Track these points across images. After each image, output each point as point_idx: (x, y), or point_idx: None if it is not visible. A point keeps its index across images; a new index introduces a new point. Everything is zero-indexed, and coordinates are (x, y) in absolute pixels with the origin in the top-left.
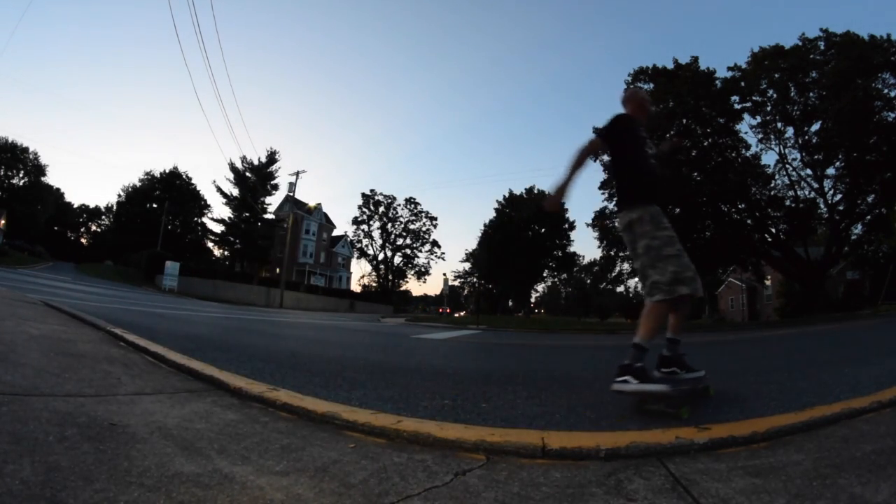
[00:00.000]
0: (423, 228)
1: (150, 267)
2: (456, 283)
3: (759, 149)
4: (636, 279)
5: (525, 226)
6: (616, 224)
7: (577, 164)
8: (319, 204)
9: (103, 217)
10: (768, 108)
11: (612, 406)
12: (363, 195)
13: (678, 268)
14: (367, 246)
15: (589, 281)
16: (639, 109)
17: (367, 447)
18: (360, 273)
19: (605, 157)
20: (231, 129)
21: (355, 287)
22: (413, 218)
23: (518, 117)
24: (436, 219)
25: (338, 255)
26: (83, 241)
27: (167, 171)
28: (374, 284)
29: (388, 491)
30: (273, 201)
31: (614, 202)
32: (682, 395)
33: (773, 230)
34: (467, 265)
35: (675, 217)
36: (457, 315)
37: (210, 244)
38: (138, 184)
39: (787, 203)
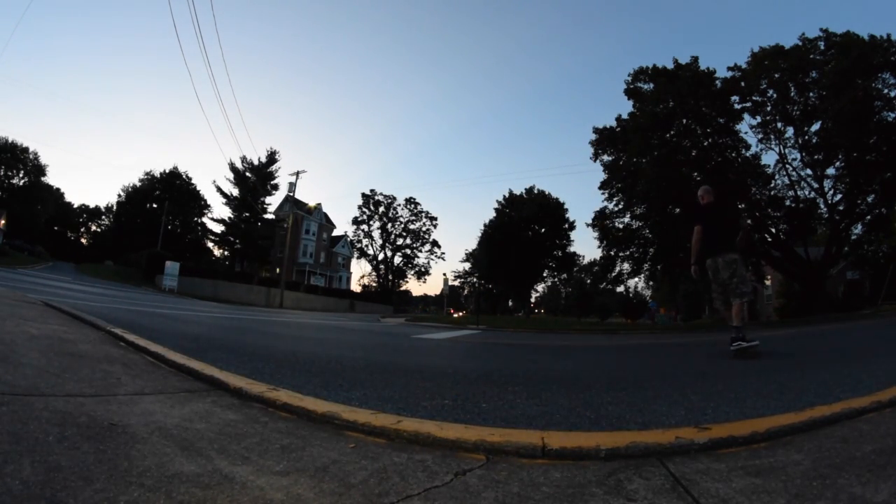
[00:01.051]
0: (423, 228)
1: (150, 267)
2: (456, 283)
3: (759, 149)
4: (636, 279)
5: (525, 226)
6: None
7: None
8: (319, 204)
9: (103, 217)
10: (768, 108)
11: (612, 406)
12: (363, 195)
13: (751, 287)
14: (367, 246)
15: (589, 281)
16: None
17: (367, 447)
18: (360, 273)
19: (606, 158)
20: (231, 130)
21: (355, 287)
22: (413, 218)
23: (518, 117)
24: (436, 219)
25: (338, 255)
26: (83, 241)
27: (167, 171)
28: (374, 284)
29: (388, 491)
30: (273, 201)
31: (614, 202)
32: (757, 348)
33: (773, 230)
34: (467, 265)
35: (675, 217)
36: (456, 315)
37: (210, 244)
38: (138, 184)
39: (787, 203)
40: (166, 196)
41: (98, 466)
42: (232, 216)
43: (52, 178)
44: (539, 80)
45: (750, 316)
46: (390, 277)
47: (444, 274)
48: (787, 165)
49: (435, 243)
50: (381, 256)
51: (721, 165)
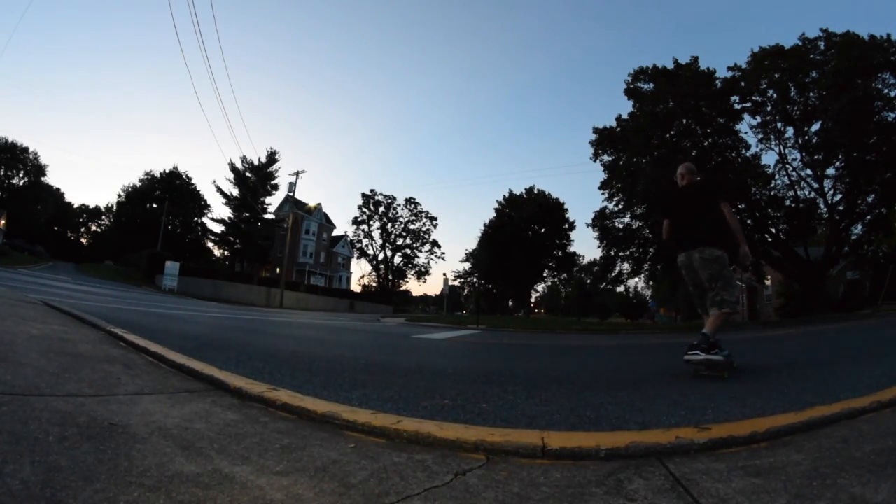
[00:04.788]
0: (423, 228)
1: (150, 267)
2: (456, 283)
3: (759, 149)
4: (636, 279)
5: (525, 226)
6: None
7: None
8: (319, 204)
9: (103, 217)
10: (768, 108)
11: (612, 406)
12: (363, 195)
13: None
14: (367, 246)
15: (589, 281)
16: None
17: (367, 447)
18: (360, 273)
19: (606, 158)
20: (231, 130)
21: (355, 287)
22: (413, 218)
23: (518, 117)
24: (436, 219)
25: (338, 255)
26: (83, 241)
27: (167, 171)
28: (374, 284)
29: (388, 491)
30: (273, 201)
31: (614, 202)
32: (725, 364)
33: (773, 230)
34: (467, 265)
35: None
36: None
37: (210, 244)
38: (138, 184)
39: (787, 203)
40: (166, 196)
41: (98, 466)
42: (232, 216)
43: (52, 178)
44: (539, 79)
45: (750, 316)
46: (390, 277)
47: (444, 274)
48: (787, 165)
49: (435, 243)
50: (381, 256)
51: (721, 165)
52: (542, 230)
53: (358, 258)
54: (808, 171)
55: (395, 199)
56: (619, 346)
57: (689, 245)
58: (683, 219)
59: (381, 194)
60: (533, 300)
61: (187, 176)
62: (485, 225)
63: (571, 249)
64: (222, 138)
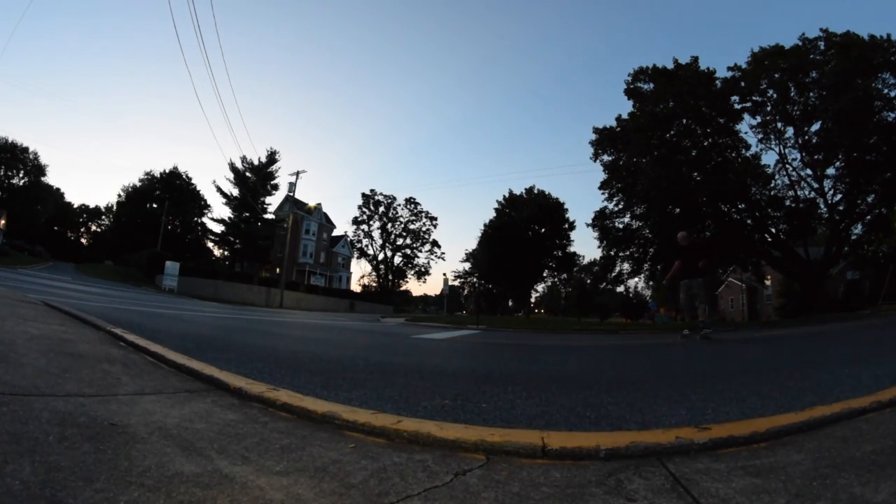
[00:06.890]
0: (423, 228)
1: (150, 267)
2: (456, 283)
3: (759, 149)
4: (636, 279)
5: (525, 226)
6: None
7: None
8: (319, 204)
9: (103, 217)
10: (768, 108)
11: (612, 406)
12: (363, 195)
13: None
14: (367, 246)
15: (589, 281)
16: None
17: (367, 447)
18: (360, 273)
19: (606, 158)
20: (231, 130)
21: (355, 287)
22: (413, 218)
23: (518, 117)
24: (436, 219)
25: (338, 255)
26: (83, 241)
27: (167, 171)
28: (374, 284)
29: (388, 491)
30: (273, 201)
31: (614, 202)
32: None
33: (773, 230)
34: (467, 265)
35: (675, 217)
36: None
37: (210, 244)
38: (138, 184)
39: (787, 203)
40: (166, 196)
41: (98, 466)
42: (232, 216)
43: (52, 178)
44: (539, 79)
45: (750, 316)
46: (390, 277)
47: (444, 274)
48: (787, 165)
49: (435, 243)
50: (381, 256)
51: (721, 165)
52: (542, 230)
53: (358, 258)
54: (808, 171)
55: (395, 199)
56: (620, 346)
57: (688, 276)
58: (687, 262)
59: (381, 194)
60: (533, 300)
61: (187, 176)
62: (485, 225)
63: (571, 249)
64: (222, 139)
